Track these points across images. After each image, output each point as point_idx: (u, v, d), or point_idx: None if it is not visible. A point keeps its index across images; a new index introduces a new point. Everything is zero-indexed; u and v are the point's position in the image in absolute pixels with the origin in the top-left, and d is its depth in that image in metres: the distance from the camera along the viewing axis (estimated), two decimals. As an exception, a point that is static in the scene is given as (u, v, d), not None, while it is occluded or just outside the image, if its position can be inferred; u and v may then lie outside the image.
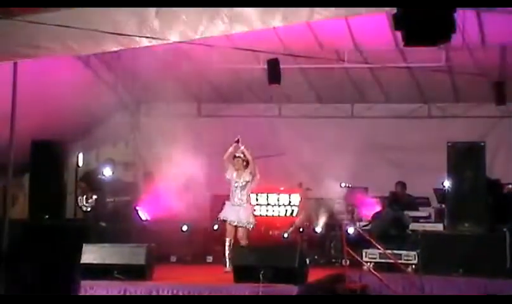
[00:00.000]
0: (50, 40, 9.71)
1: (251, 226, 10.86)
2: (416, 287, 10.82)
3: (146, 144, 16.32)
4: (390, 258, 11.54)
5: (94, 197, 13.06)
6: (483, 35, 11.80)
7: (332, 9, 8.73)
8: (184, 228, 12.83)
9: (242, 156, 10.97)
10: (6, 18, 9.18)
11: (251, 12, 8.83)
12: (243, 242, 10.69)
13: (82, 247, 9.86)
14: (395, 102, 15.19)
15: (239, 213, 10.82)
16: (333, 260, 12.74)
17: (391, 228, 12.51)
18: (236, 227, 10.81)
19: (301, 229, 12.94)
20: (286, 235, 12.78)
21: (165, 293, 9.22)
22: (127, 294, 9.28)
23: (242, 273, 9.39)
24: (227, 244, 10.78)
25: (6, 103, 11.10)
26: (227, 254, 10.71)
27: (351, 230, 12.26)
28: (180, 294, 9.17)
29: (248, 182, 10.92)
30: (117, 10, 9.38)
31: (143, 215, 13.34)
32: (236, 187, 10.90)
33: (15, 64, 10.94)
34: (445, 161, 12.00)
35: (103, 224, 12.73)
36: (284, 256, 9.47)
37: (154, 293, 9.25)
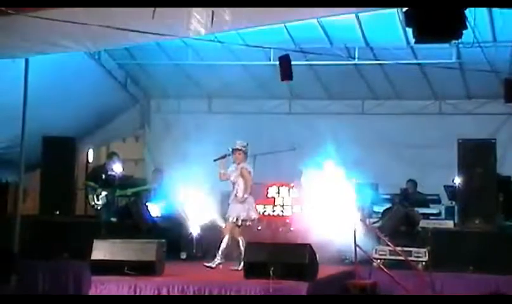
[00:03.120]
0: (61, 36, 9.78)
1: (247, 223, 10.67)
2: (426, 284, 10.80)
3: (155, 140, 16.39)
4: (400, 255, 11.52)
5: (104, 193, 13.07)
6: (494, 31, 11.76)
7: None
8: (194, 225, 12.82)
9: (243, 148, 10.72)
10: (18, 14, 9.23)
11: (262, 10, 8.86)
12: (240, 238, 10.52)
13: (92, 243, 9.94)
14: (405, 99, 15.17)
15: (236, 210, 10.65)
16: (343, 257, 12.71)
17: (401, 225, 12.47)
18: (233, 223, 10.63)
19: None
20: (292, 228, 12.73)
21: (175, 289, 9.22)
22: (137, 290, 9.29)
23: (252, 269, 9.40)
24: (224, 240, 10.65)
25: (18, 99, 11.17)
26: (221, 250, 10.60)
27: (362, 226, 12.20)
28: (191, 290, 9.18)
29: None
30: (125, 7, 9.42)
31: (153, 211, 13.34)
32: (233, 183, 10.71)
33: (27, 60, 11.01)
34: (455, 158, 11.97)
35: (114, 220, 12.75)
36: (295, 252, 9.46)
37: (164, 289, 9.25)
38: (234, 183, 10.70)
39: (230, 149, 10.70)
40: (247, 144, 10.79)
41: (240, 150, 10.68)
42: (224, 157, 10.76)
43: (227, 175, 10.75)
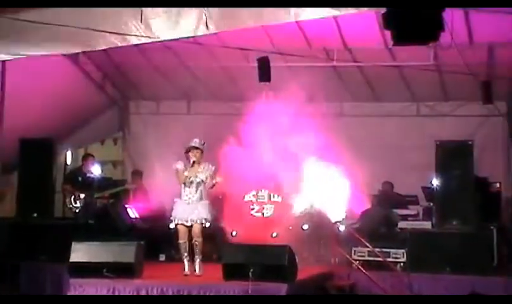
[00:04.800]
0: (39, 38, 9.71)
1: (208, 224, 10.33)
2: (404, 285, 10.87)
3: (134, 142, 16.34)
4: (378, 256, 11.58)
5: (82, 196, 13.00)
6: (471, 34, 11.86)
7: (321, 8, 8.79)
8: (171, 226, 12.78)
9: (201, 147, 10.39)
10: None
11: (241, 11, 8.86)
12: (198, 240, 10.25)
13: (71, 245, 9.89)
14: (384, 101, 15.24)
15: (193, 211, 10.26)
16: (322, 258, 12.74)
17: (380, 226, 12.57)
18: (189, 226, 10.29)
19: (290, 227, 12.91)
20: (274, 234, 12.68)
21: (155, 291, 9.22)
22: (116, 292, 9.27)
23: (232, 271, 9.41)
24: (182, 246, 10.35)
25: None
26: (185, 257, 10.34)
27: (342, 228, 12.27)
28: (170, 291, 9.18)
29: (203, 181, 10.33)
30: (106, 8, 9.39)
31: (132, 213, 13.30)
32: (191, 182, 10.31)
33: (3, 62, 10.94)
34: (433, 160, 12.04)
35: (92, 222, 12.68)
36: (274, 254, 9.48)
37: (143, 291, 9.25)
38: (198, 183, 10.30)
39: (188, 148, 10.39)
40: (204, 143, 10.51)
41: (199, 149, 10.39)
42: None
43: (189, 176, 10.32)
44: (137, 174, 14.47)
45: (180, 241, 10.35)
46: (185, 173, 10.31)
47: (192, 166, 10.34)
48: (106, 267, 9.51)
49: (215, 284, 9.34)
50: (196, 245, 10.29)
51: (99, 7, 8.92)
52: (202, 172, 10.33)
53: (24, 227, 12.24)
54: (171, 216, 10.43)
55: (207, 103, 15.65)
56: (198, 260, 10.30)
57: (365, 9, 9.07)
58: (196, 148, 10.37)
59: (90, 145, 16.15)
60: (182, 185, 10.35)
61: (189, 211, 10.27)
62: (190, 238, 10.31)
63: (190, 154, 10.37)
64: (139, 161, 15.62)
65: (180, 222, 10.30)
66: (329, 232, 12.24)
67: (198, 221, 10.25)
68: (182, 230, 10.33)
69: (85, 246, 9.92)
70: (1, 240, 11.54)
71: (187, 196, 10.32)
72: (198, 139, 10.47)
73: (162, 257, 12.52)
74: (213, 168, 10.44)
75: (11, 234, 12.09)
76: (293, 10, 9.08)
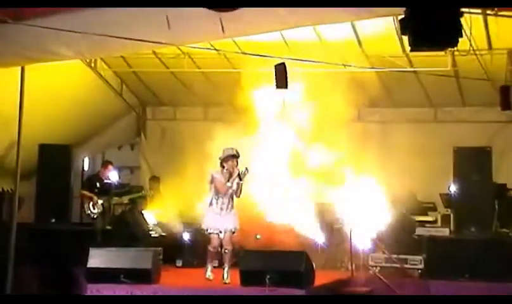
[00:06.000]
0: (57, 44, 9.77)
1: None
2: (421, 292, 10.82)
3: (151, 148, 16.38)
4: (396, 263, 11.54)
5: (100, 202, 13.05)
6: (490, 39, 11.79)
7: (340, 13, 8.78)
8: (186, 233, 12.80)
9: (237, 154, 10.36)
10: (15, 23, 9.24)
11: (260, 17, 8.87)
12: (228, 247, 10.35)
13: (88, 251, 9.93)
14: (401, 107, 15.18)
15: (226, 220, 10.34)
16: (339, 264, 12.71)
17: (397, 232, 12.50)
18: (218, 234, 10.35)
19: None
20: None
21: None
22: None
23: (249, 277, 9.41)
24: (213, 254, 10.41)
25: (14, 107, 11.16)
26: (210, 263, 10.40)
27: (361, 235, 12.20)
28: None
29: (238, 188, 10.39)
30: (124, 14, 9.44)
31: (149, 218, 13.34)
32: (226, 192, 10.31)
33: (22, 68, 11.01)
34: (451, 166, 11.98)
35: (109, 228, 12.73)
36: (291, 260, 9.47)
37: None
38: (231, 193, 10.37)
39: (230, 155, 10.37)
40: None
41: (237, 157, 10.41)
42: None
43: (231, 187, 10.36)
44: (155, 180, 14.51)
45: (213, 250, 10.38)
46: (228, 184, 10.31)
47: (231, 176, 10.33)
48: (123, 273, 9.54)
49: (232, 290, 9.34)
50: (226, 253, 10.34)
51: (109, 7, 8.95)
52: (237, 183, 10.32)
53: (42, 232, 12.30)
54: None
55: (224, 109, 15.65)
56: (226, 268, 10.31)
57: (383, 11, 9.02)
58: (234, 156, 10.36)
59: (108, 151, 16.22)
60: (214, 194, 10.35)
61: (222, 221, 10.32)
62: (220, 246, 10.37)
63: (229, 163, 10.33)
64: (156, 167, 15.65)
65: (214, 232, 10.32)
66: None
67: (230, 231, 10.34)
68: (215, 238, 10.35)
69: (103, 251, 9.97)
70: (20, 246, 11.58)
71: (219, 205, 10.35)
72: (231, 147, 10.46)
73: (179, 263, 12.53)
74: (242, 182, 10.38)
75: (30, 239, 12.14)
76: (312, 16, 9.09)
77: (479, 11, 9.74)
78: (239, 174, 10.34)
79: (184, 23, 9.19)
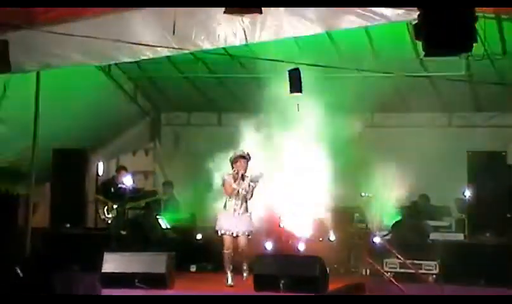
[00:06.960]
0: (73, 50, 9.84)
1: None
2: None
3: (166, 153, 16.42)
4: (410, 268, 11.49)
5: (115, 206, 13.10)
6: (504, 44, 11.75)
7: (354, 19, 8.79)
8: (199, 236, 12.83)
9: (248, 157, 10.37)
10: (30, 29, 9.31)
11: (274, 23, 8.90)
12: (245, 249, 10.32)
13: (103, 255, 9.96)
14: (415, 112, 15.14)
15: (240, 222, 10.32)
16: (353, 270, 12.68)
17: (411, 237, 12.46)
18: (234, 236, 10.32)
19: (320, 239, 12.86)
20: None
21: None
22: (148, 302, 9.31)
23: (262, 282, 9.40)
24: (227, 256, 10.36)
25: (29, 111, 11.24)
26: (228, 268, 10.34)
27: (377, 239, 12.19)
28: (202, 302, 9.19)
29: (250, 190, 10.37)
30: (138, 20, 9.49)
31: (163, 223, 13.37)
32: (237, 193, 10.29)
33: (38, 73, 11.09)
34: (465, 171, 11.93)
35: (124, 233, 12.77)
36: (305, 265, 9.46)
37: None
38: (244, 195, 10.35)
39: (242, 156, 10.36)
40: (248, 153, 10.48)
41: (246, 158, 10.38)
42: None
43: (238, 188, 10.35)
44: (168, 184, 14.54)
45: (227, 251, 10.36)
46: (234, 186, 10.30)
47: (241, 177, 10.32)
48: (138, 278, 9.56)
49: (246, 295, 9.33)
50: (242, 252, 10.35)
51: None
52: (248, 185, 10.30)
53: (57, 237, 12.35)
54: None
55: (238, 115, 15.66)
56: (245, 267, 10.39)
57: (396, 13, 9.02)
58: (243, 158, 10.35)
59: (122, 156, 16.27)
60: (228, 196, 10.37)
61: (235, 223, 10.29)
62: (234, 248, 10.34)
63: (238, 164, 10.31)
64: (170, 172, 15.69)
65: (227, 233, 10.30)
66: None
67: (245, 233, 10.31)
68: (228, 240, 10.33)
69: (117, 256, 9.99)
70: (34, 250, 11.64)
71: (232, 207, 10.35)
72: (241, 149, 10.48)
73: (193, 268, 12.54)
74: (256, 184, 10.38)
75: (44, 244, 12.20)
76: (325, 22, 9.12)
77: (493, 15, 9.72)
78: (250, 177, 10.34)
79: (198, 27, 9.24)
